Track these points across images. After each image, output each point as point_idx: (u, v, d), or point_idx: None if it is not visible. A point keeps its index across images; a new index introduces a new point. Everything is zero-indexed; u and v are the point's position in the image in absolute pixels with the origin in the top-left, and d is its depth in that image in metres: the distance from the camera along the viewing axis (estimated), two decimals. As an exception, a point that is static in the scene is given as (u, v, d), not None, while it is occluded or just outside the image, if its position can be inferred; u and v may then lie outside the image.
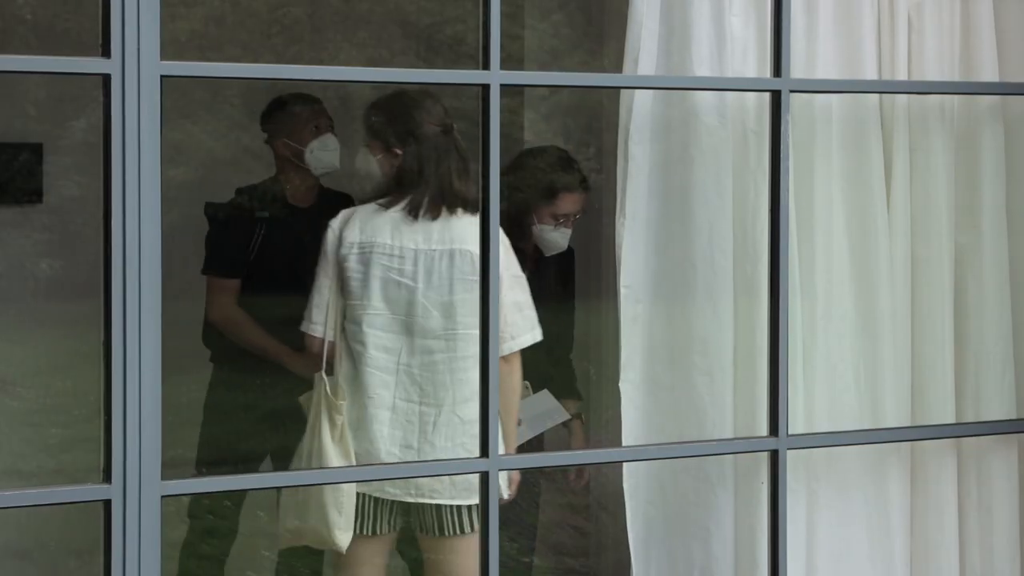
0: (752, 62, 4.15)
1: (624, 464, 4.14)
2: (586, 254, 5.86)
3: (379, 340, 4.53)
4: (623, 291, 4.09)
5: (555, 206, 5.28)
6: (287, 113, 5.53)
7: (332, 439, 4.48)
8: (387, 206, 4.58)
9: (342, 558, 4.59)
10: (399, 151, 4.63)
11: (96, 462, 3.40)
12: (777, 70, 3.99)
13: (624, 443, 4.10)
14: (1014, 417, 4.41)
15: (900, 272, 4.33)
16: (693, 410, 4.16)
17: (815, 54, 4.22)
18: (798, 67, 4.15)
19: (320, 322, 4.52)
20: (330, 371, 4.54)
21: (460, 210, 4.59)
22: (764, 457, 4.05)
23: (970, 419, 4.40)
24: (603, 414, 6.06)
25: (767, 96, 4.03)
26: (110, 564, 3.34)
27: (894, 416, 4.31)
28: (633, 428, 4.11)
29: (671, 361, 4.16)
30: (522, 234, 5.23)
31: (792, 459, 4.09)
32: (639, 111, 4.08)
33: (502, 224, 3.63)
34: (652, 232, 4.13)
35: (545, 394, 5.20)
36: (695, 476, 4.19)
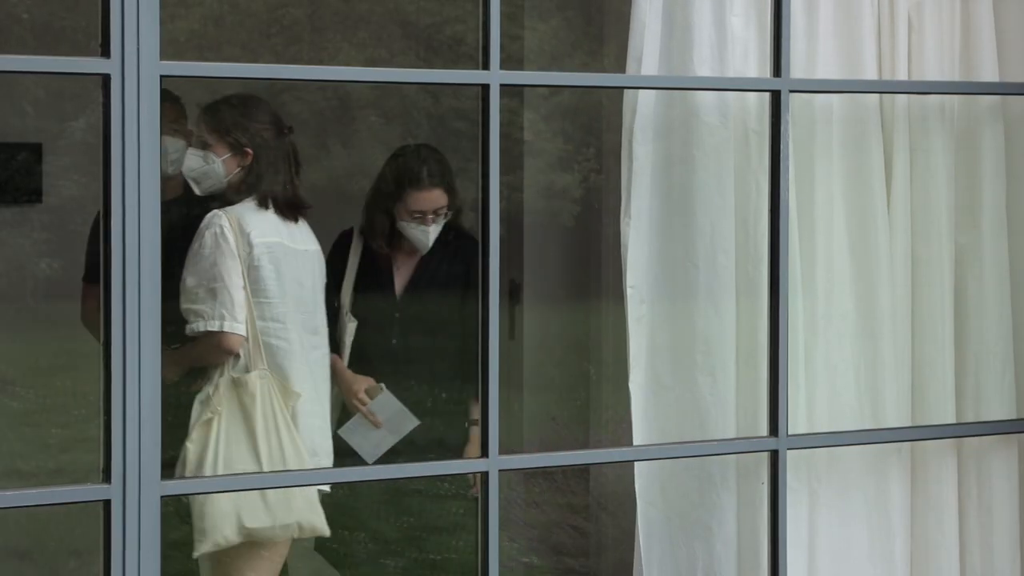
0: (752, 62, 4.15)
1: (635, 464, 4.15)
2: (586, 254, 5.85)
3: (294, 336, 4.57)
4: (629, 291, 4.09)
5: (408, 203, 5.13)
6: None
7: (289, 434, 4.51)
8: (263, 206, 4.59)
9: (276, 555, 4.63)
10: (250, 151, 4.63)
11: (96, 462, 3.40)
12: (777, 70, 3.99)
13: (635, 443, 4.11)
14: (1014, 417, 4.41)
15: (900, 272, 4.33)
16: (695, 410, 4.16)
17: (815, 54, 4.22)
18: (798, 67, 4.15)
19: (242, 320, 4.52)
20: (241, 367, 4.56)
21: (304, 212, 4.68)
22: (765, 457, 4.05)
23: (970, 419, 4.40)
24: (603, 414, 6.07)
25: (767, 96, 4.03)
26: (110, 564, 3.33)
27: (894, 416, 4.31)
28: (643, 429, 4.11)
29: (674, 361, 4.16)
30: (390, 231, 5.12)
31: (793, 459, 4.09)
32: (642, 111, 4.08)
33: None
34: (656, 232, 4.13)
35: (388, 396, 5.01)
36: (697, 476, 4.19)
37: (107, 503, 3.32)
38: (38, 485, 4.51)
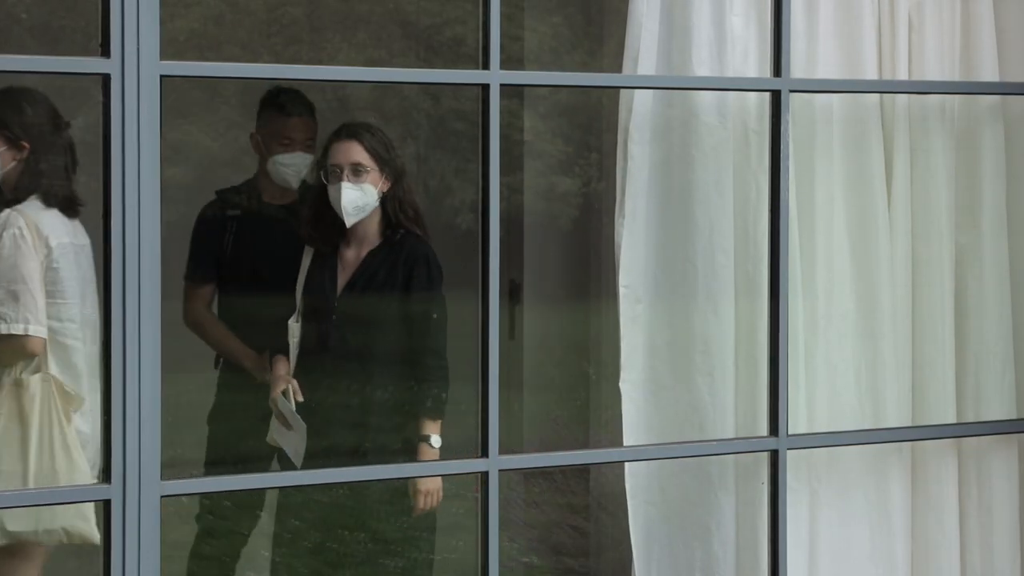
0: (752, 62, 4.15)
1: (626, 464, 4.14)
2: (586, 254, 5.84)
3: (89, 335, 4.50)
4: (622, 291, 4.09)
5: (328, 157, 4.81)
6: (268, 112, 5.31)
7: (63, 439, 4.40)
8: (48, 204, 4.48)
9: (37, 560, 4.56)
10: (26, 144, 4.54)
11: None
12: (777, 70, 3.99)
13: (626, 443, 4.10)
14: (1014, 417, 4.41)
15: (901, 272, 4.33)
16: (694, 410, 4.16)
17: (815, 54, 4.22)
18: (798, 67, 4.15)
19: (44, 323, 4.45)
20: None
21: (80, 208, 4.55)
22: (765, 457, 4.05)
23: (970, 419, 4.40)
24: (603, 414, 6.06)
25: (767, 96, 4.03)
26: (110, 564, 3.34)
27: (895, 416, 4.31)
28: (634, 428, 4.11)
29: (672, 361, 4.16)
30: (312, 216, 4.86)
31: (793, 459, 4.09)
32: (639, 111, 4.08)
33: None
34: (652, 232, 4.13)
35: (288, 398, 4.91)
36: (696, 476, 4.19)
37: (107, 503, 3.32)
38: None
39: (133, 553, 3.34)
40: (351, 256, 4.84)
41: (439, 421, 4.72)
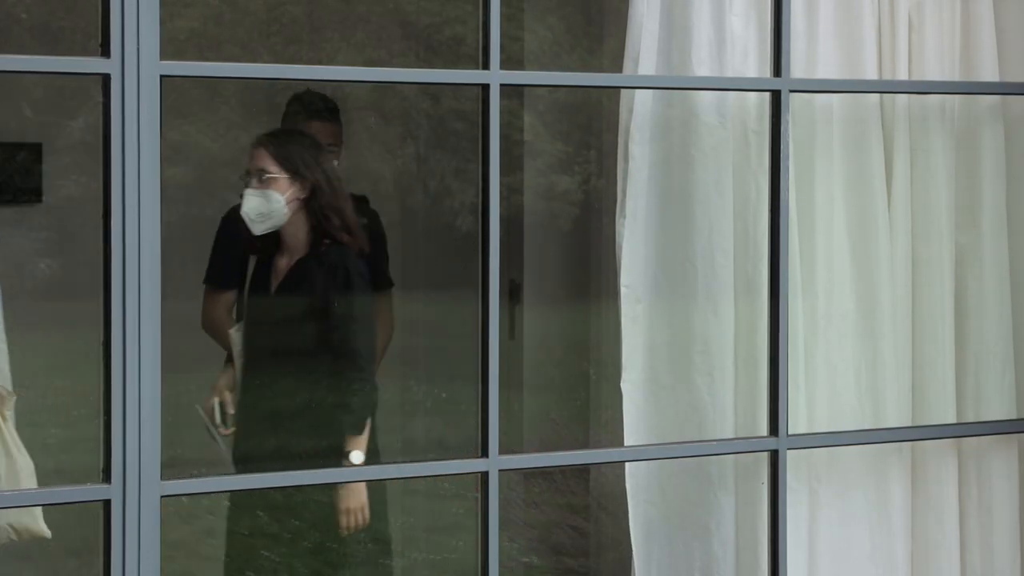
0: (752, 62, 4.15)
1: (626, 464, 4.14)
2: (586, 254, 5.84)
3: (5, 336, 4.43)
4: (623, 291, 4.09)
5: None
6: (288, 116, 5.27)
7: (6, 436, 4.34)
8: None
9: None
10: None
11: (96, 462, 3.40)
12: (777, 70, 3.99)
13: (626, 443, 4.10)
14: (1014, 417, 4.41)
15: (901, 272, 4.33)
16: (694, 410, 4.16)
17: (815, 54, 4.21)
18: (798, 67, 4.15)
19: None
20: None
21: None
22: (764, 457, 4.05)
23: (970, 419, 4.40)
24: (603, 414, 6.07)
25: (767, 96, 4.03)
26: (110, 564, 3.33)
27: (894, 416, 4.31)
28: (634, 428, 4.11)
29: (672, 361, 4.16)
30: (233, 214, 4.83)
31: (793, 459, 4.09)
32: (639, 111, 4.08)
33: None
34: (652, 232, 4.13)
35: (209, 417, 4.87)
36: (695, 476, 4.19)
37: (107, 503, 3.32)
38: (38, 485, 4.50)
39: (133, 553, 3.34)
40: (282, 265, 4.83)
41: (360, 436, 4.68)
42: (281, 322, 4.85)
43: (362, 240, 4.81)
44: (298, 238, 4.76)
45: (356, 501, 4.68)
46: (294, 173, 4.71)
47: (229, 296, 5.22)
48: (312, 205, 4.73)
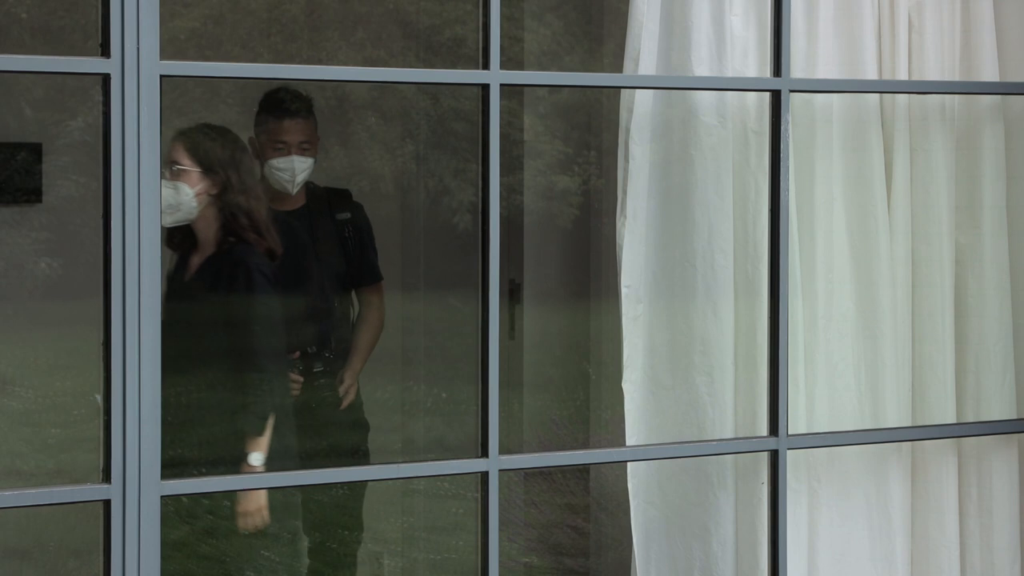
0: (752, 62, 4.15)
1: (628, 464, 4.15)
2: (586, 254, 5.84)
3: None
4: (624, 291, 4.09)
5: None
6: (262, 114, 5.22)
7: None
8: None
9: None
10: None
11: (96, 462, 3.40)
12: (777, 70, 3.99)
13: (628, 443, 4.10)
14: (1014, 417, 4.41)
15: (900, 272, 4.33)
16: (693, 410, 4.16)
17: (815, 54, 4.22)
18: (798, 67, 4.15)
19: None
20: None
21: None
22: (764, 457, 4.05)
23: (970, 419, 4.40)
24: (603, 414, 6.07)
25: (767, 96, 4.03)
26: (110, 564, 3.33)
27: (894, 416, 4.31)
28: (636, 428, 4.11)
29: (672, 361, 4.16)
30: None
31: (793, 459, 4.09)
32: (639, 111, 4.08)
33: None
34: (652, 232, 4.13)
35: None
36: (695, 476, 4.19)
37: (107, 503, 3.32)
38: (38, 485, 4.49)
39: (133, 553, 3.33)
40: (194, 263, 4.80)
41: (260, 438, 4.65)
42: (187, 320, 4.81)
43: (272, 241, 4.76)
44: (207, 234, 4.73)
45: (252, 503, 4.65)
46: (206, 168, 4.68)
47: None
48: (222, 202, 4.70)
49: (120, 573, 3.33)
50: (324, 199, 5.30)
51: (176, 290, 4.77)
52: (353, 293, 5.42)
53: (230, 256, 4.73)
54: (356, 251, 5.32)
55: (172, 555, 5.28)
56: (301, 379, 5.13)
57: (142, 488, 3.33)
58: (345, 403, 5.25)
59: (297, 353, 5.14)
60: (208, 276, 4.76)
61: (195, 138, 4.73)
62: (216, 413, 4.77)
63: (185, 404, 4.71)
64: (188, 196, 4.66)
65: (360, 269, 5.35)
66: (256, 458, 4.61)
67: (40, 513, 4.76)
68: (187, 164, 4.66)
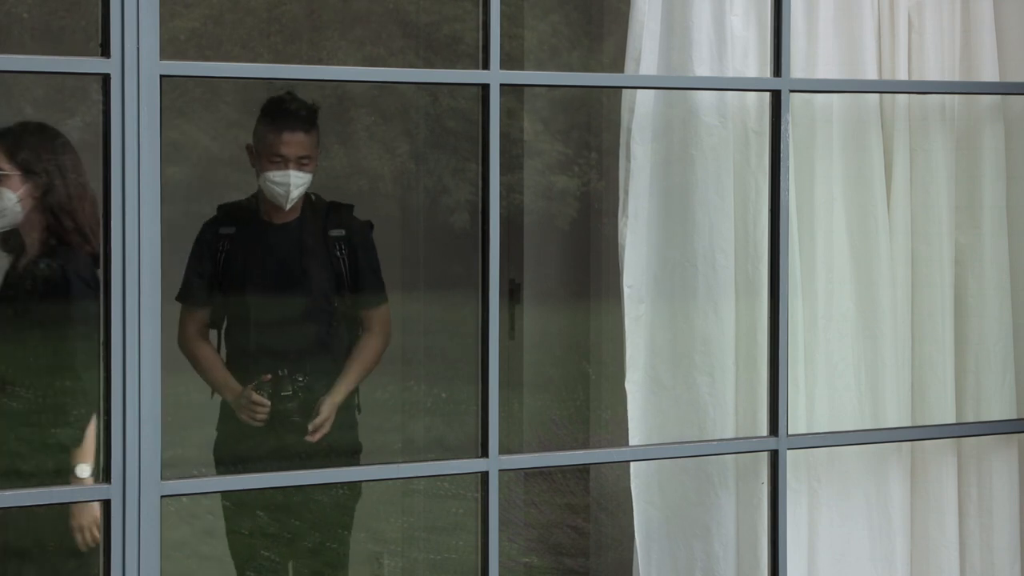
0: (752, 62, 4.15)
1: (631, 464, 4.15)
2: (586, 254, 5.83)
3: None
4: (626, 291, 4.09)
5: None
6: (262, 124, 5.07)
7: None
8: None
9: None
10: None
11: (96, 462, 3.40)
12: (777, 70, 3.99)
13: (631, 443, 4.11)
14: (1014, 417, 4.41)
15: (900, 272, 4.33)
16: (694, 410, 4.16)
17: (815, 54, 4.22)
18: (798, 67, 4.15)
19: None
20: None
21: None
22: (764, 457, 4.05)
23: (970, 419, 4.40)
24: (603, 414, 6.07)
25: (767, 96, 4.03)
26: (110, 564, 3.33)
27: (894, 416, 4.31)
28: (638, 429, 4.12)
29: (672, 361, 4.16)
30: None
31: (793, 459, 4.09)
32: (640, 111, 4.08)
33: None
34: (654, 232, 4.13)
35: None
36: (696, 476, 4.19)
37: (107, 503, 3.32)
38: (38, 485, 4.48)
39: (133, 553, 3.33)
40: (21, 266, 4.65)
41: (80, 449, 4.51)
42: (10, 325, 4.70)
43: (98, 244, 4.67)
44: (33, 238, 4.57)
45: (85, 517, 4.50)
46: (26, 170, 4.52)
47: (202, 315, 5.06)
48: (46, 204, 4.54)
49: (120, 573, 3.33)
50: (321, 214, 5.11)
51: (3, 296, 4.62)
52: (360, 314, 5.21)
53: (50, 260, 4.56)
54: (348, 271, 5.16)
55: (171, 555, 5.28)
56: (268, 403, 4.96)
57: (142, 488, 3.33)
58: (317, 435, 4.99)
59: (268, 376, 4.98)
60: (29, 281, 4.60)
61: (11, 140, 4.57)
62: (34, 426, 4.65)
63: (6, 417, 4.61)
64: (12, 201, 4.50)
65: (354, 290, 5.15)
66: (83, 469, 4.45)
67: (40, 513, 4.75)
68: (7, 168, 4.51)
